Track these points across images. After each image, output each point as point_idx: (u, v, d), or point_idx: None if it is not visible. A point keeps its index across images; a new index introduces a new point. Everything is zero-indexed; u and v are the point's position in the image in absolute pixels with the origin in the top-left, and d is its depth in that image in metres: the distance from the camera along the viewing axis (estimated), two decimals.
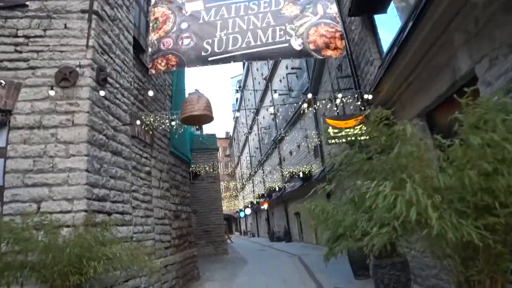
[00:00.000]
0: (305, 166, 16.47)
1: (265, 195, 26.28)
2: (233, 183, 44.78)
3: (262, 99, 27.36)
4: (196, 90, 6.83)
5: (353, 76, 7.73)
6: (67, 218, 4.42)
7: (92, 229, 4.28)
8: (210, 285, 8.36)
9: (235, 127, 48.94)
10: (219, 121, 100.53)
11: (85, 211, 4.50)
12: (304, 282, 8.31)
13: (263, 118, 28.25)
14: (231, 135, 55.15)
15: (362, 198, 4.80)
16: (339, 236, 4.97)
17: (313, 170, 15.91)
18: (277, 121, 22.90)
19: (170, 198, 7.88)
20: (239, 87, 40.80)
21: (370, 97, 5.88)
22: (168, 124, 6.86)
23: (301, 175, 16.18)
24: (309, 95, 7.51)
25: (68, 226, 4.34)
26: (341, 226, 4.75)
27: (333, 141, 6.33)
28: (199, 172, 17.05)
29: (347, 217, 4.79)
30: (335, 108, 6.94)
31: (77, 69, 4.98)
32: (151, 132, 6.96)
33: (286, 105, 16.26)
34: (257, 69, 29.80)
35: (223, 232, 17.54)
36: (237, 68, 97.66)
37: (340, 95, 6.81)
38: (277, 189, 22.36)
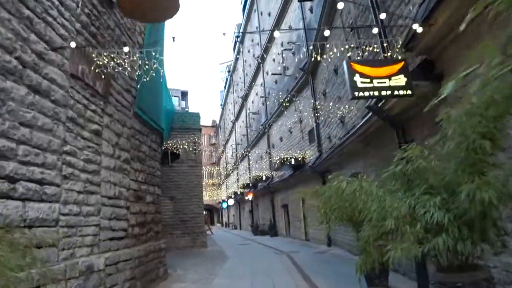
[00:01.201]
0: (298, 152, 14.68)
1: (250, 185, 24.46)
2: (216, 168, 42.96)
3: (252, 82, 25.43)
4: None
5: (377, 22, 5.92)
6: None
7: None
8: None
9: (222, 115, 46.88)
10: (206, 110, 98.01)
11: None
12: None
13: (252, 103, 26.35)
14: (218, 123, 53.09)
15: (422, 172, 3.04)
16: (384, 233, 3.16)
17: (307, 157, 14.13)
18: (268, 104, 21.04)
19: (131, 173, 5.97)
20: (228, 71, 38.80)
21: (420, 29, 4.05)
22: (129, 69, 4.95)
23: (293, 162, 14.39)
24: (326, 32, 5.63)
25: None
26: (391, 217, 2.95)
27: (361, 93, 4.50)
28: (178, 152, 15.13)
29: (399, 204, 3.00)
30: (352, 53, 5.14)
31: None
32: (105, 79, 5.03)
33: (286, 78, 14.41)
34: (249, 51, 27.82)
35: (202, 222, 15.69)
36: (227, 53, 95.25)
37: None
38: (264, 178, 20.55)
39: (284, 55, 16.82)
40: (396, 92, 4.42)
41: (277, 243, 15.42)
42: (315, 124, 13.12)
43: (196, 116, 16.14)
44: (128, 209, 5.69)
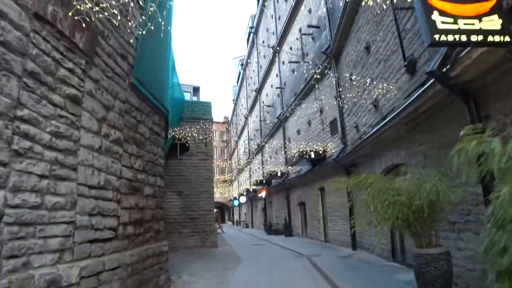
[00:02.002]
0: (319, 144, 13.36)
1: (264, 181, 23.18)
2: (228, 164, 41.85)
3: (267, 73, 24.14)
4: None
5: None
6: None
7: None
8: None
9: (234, 111, 45.65)
10: (218, 106, 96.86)
11: None
12: None
13: (266, 95, 25.05)
14: (230, 119, 51.94)
15: None
16: None
17: (328, 150, 12.81)
18: (283, 96, 19.73)
19: (124, 158, 4.76)
20: (241, 64, 37.58)
21: None
22: (124, 26, 3.75)
23: (312, 155, 13.08)
24: None
25: None
26: None
27: (443, 37, 3.16)
28: (188, 144, 13.97)
29: None
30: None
31: None
32: (88, 31, 3.83)
33: (305, 66, 13.13)
34: (263, 42, 26.53)
35: (213, 220, 14.50)
36: (240, 48, 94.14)
37: None
38: (278, 174, 19.26)
39: (303, 40, 15.48)
40: (490, 38, 3.11)
41: (293, 244, 14.13)
42: (338, 113, 11.79)
43: (207, 105, 14.93)
44: (119, 203, 4.49)
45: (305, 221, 16.98)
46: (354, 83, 9.98)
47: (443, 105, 5.04)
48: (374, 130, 7.52)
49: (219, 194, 47.52)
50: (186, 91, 35.14)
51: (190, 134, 12.17)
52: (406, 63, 6.34)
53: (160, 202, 6.14)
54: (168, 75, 7.71)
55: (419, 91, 5.39)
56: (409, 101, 5.66)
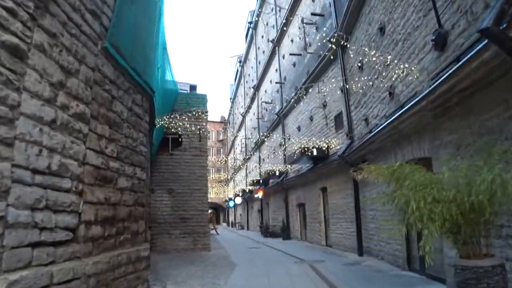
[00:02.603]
0: (322, 140, 12.41)
1: (261, 181, 22.19)
2: (223, 162, 40.84)
3: (266, 68, 23.18)
4: None
5: None
6: None
7: None
8: None
9: (231, 110, 44.60)
10: (214, 105, 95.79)
11: None
12: None
13: (265, 92, 24.08)
14: (226, 119, 50.95)
15: None
16: None
17: (332, 146, 11.86)
18: (283, 91, 18.78)
19: (90, 138, 3.77)
20: (240, 61, 36.63)
21: None
22: None
23: (315, 152, 12.12)
24: None
25: None
26: None
27: None
28: (181, 139, 12.99)
29: None
30: None
31: None
32: None
33: (307, 58, 12.22)
34: (262, 36, 25.59)
35: (206, 221, 13.49)
36: (238, 47, 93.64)
37: None
38: (277, 173, 18.27)
39: (306, 30, 14.53)
40: None
41: (293, 248, 13.14)
42: (344, 106, 10.85)
43: (203, 97, 13.95)
44: (80, 196, 3.50)
45: (304, 223, 16.00)
46: (365, 71, 9.05)
47: (488, 80, 4.09)
48: (391, 120, 6.56)
49: (215, 194, 46.53)
50: (182, 90, 34.18)
51: (184, 127, 11.21)
52: (434, 37, 5.39)
53: (141, 198, 5.14)
54: (156, 53, 6.74)
55: (455, 67, 4.44)
56: (440, 80, 4.71)
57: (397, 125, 6.44)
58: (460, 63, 4.22)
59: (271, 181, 20.19)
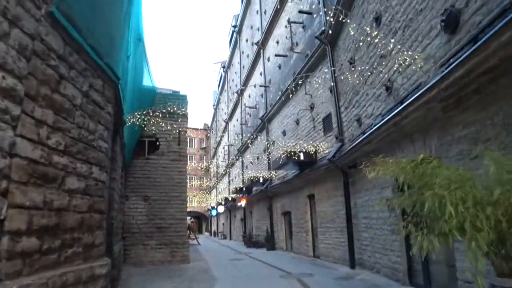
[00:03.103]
0: (310, 143, 11.69)
1: (244, 189, 21.30)
2: (205, 168, 39.78)
3: (251, 72, 22.47)
4: None
5: None
6: None
7: None
8: None
9: (214, 117, 43.63)
10: (197, 113, 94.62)
11: None
12: None
13: (249, 97, 23.34)
14: (209, 126, 49.95)
15: None
16: None
17: (320, 150, 11.15)
18: (268, 95, 18.07)
19: (24, 123, 2.90)
20: (223, 66, 35.90)
21: None
22: None
23: (302, 157, 11.38)
24: None
25: None
26: None
27: None
28: (158, 143, 12.10)
29: None
30: None
31: None
32: None
33: (293, 59, 11.53)
34: (247, 40, 24.93)
35: (185, 231, 12.53)
36: (221, 54, 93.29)
37: None
38: (260, 180, 17.44)
39: (292, 29, 13.88)
40: None
41: (278, 259, 12.29)
42: (334, 107, 10.15)
43: (183, 98, 13.07)
44: (4, 196, 2.61)
45: (290, 233, 15.16)
46: (357, 67, 8.38)
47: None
48: (391, 116, 5.85)
49: (197, 203, 45.33)
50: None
51: (162, 130, 10.35)
52: (444, 17, 4.72)
53: (98, 203, 4.23)
54: (124, 37, 5.87)
55: (473, 48, 3.75)
56: (456, 63, 4.01)
57: (398, 121, 5.72)
58: (484, 39, 3.53)
59: (254, 188, 19.35)
